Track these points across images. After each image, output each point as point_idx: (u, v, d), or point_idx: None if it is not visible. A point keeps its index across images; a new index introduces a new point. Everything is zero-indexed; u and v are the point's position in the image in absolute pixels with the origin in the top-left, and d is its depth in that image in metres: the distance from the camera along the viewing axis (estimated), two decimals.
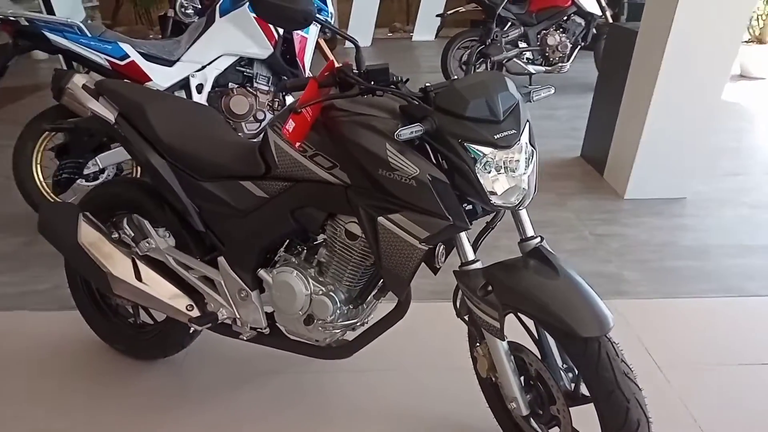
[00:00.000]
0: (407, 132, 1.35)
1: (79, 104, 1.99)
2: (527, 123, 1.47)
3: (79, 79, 2.00)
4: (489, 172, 1.40)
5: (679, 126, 3.35)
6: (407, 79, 1.56)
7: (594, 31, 6.14)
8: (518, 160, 1.42)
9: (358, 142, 1.48)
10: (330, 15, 3.77)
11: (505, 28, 6.01)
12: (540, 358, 1.57)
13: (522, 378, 1.59)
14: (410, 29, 10.48)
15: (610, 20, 6.17)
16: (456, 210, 1.44)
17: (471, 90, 1.40)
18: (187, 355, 2.25)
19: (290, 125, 1.53)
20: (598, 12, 6.16)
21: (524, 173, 1.44)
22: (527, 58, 6.12)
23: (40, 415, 2.00)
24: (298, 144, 1.57)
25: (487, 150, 1.38)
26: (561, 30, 6.17)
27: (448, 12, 6.03)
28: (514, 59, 6.08)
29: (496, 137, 1.38)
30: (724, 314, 2.45)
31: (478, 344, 1.63)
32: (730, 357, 2.19)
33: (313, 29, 3.57)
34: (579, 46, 6.22)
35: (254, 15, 2.39)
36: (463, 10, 6.54)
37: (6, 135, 3.13)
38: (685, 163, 3.47)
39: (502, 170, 1.41)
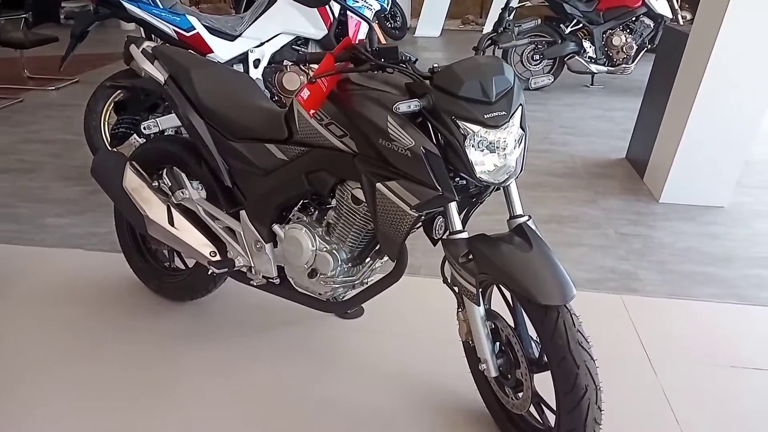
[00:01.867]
0: (405, 106, 1.50)
1: (137, 67, 2.24)
2: (520, 106, 1.58)
3: (142, 45, 2.25)
4: (478, 149, 1.52)
5: (719, 133, 3.32)
6: (416, 59, 1.70)
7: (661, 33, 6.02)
8: (506, 140, 1.54)
9: (363, 113, 1.64)
10: (386, 1, 3.92)
11: (570, 25, 6.02)
12: (513, 326, 1.69)
13: (497, 344, 1.72)
14: (483, 22, 10.48)
15: (682, 23, 6.03)
16: (445, 182, 1.58)
17: (467, 71, 1.53)
18: (213, 300, 2.49)
19: (305, 93, 1.72)
20: (670, 14, 6.04)
21: (512, 153, 1.56)
22: (589, 57, 6.09)
23: (70, 338, 2.29)
24: (312, 111, 1.75)
25: (476, 128, 1.51)
26: (628, 31, 6.09)
27: (513, 6, 6.04)
28: (576, 57, 6.07)
29: (485, 117, 1.50)
30: (726, 319, 2.47)
31: (459, 310, 1.77)
32: (722, 359, 2.23)
33: (368, 13, 3.73)
34: (645, 49, 6.13)
35: None
36: (530, 4, 6.56)
37: (88, 96, 3.47)
38: (724, 172, 3.43)
39: (491, 148, 1.53)
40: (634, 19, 6.03)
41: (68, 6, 8.98)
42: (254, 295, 2.36)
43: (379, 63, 1.60)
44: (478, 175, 1.54)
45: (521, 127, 1.59)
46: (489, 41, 1.81)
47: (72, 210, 3.32)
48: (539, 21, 2.01)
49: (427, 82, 1.58)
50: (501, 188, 1.68)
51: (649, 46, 6.09)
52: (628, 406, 1.99)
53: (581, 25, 6.03)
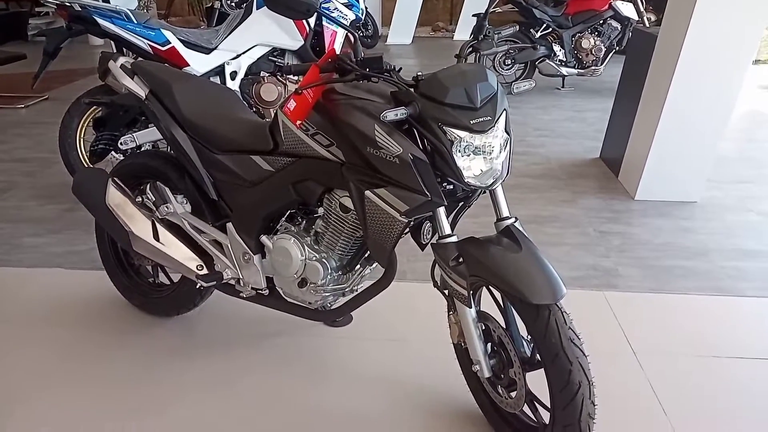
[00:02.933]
0: (392, 114, 1.53)
1: (117, 82, 2.22)
2: (504, 111, 1.62)
3: (120, 61, 2.23)
4: (465, 155, 1.55)
5: (690, 131, 3.42)
6: (400, 68, 1.73)
7: (630, 35, 6.16)
8: (492, 145, 1.57)
9: (350, 123, 1.66)
10: (361, 11, 3.96)
11: (540, 30, 6.13)
12: (504, 326, 1.72)
13: (489, 345, 1.75)
14: (453, 29, 10.60)
15: (648, 25, 6.18)
16: (434, 187, 1.60)
17: (451, 79, 1.56)
18: (199, 314, 2.48)
19: (291, 104, 1.72)
20: (636, 17, 6.19)
21: (498, 157, 1.60)
22: (560, 60, 6.21)
23: (56, 359, 2.25)
24: (298, 122, 1.76)
25: (462, 133, 1.53)
26: (596, 33, 6.22)
27: (483, 12, 6.14)
28: (547, 60, 6.19)
29: (471, 122, 1.53)
30: (708, 311, 2.54)
31: (451, 312, 1.79)
32: (705, 349, 2.29)
33: (342, 24, 3.75)
34: (614, 50, 6.27)
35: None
36: (500, 10, 6.66)
37: (59, 113, 3.43)
38: (696, 168, 3.53)
39: (478, 153, 1.56)
40: (601, 22, 6.18)
41: (35, 23, 8.86)
42: (241, 307, 2.36)
43: (364, 73, 1.62)
44: (465, 180, 1.56)
45: (506, 131, 1.62)
46: (470, 49, 1.84)
47: (49, 229, 3.27)
48: (517, 27, 2.06)
49: (412, 90, 1.61)
50: (488, 191, 1.71)
51: (617, 47, 6.24)
52: (616, 399, 2.04)
53: (551, 29, 6.14)
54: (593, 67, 6.25)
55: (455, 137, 1.53)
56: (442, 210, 1.66)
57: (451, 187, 1.69)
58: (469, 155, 1.55)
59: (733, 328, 2.42)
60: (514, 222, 1.71)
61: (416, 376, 2.15)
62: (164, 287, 2.46)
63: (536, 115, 5.58)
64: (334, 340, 2.35)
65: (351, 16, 3.75)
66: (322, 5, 3.59)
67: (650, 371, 2.17)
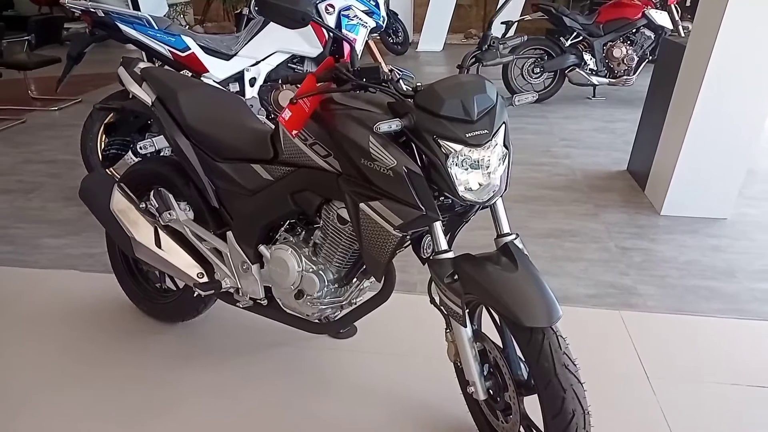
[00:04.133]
0: (386, 126, 1.48)
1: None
2: (503, 125, 1.56)
3: (135, 66, 2.24)
4: (461, 168, 1.50)
5: (719, 143, 3.28)
6: (399, 78, 1.68)
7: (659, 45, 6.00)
8: (489, 159, 1.51)
9: (345, 133, 1.62)
10: (382, 18, 3.92)
11: (570, 38, 6.01)
12: (502, 348, 1.65)
13: (486, 366, 1.68)
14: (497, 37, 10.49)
15: (683, 35, 6.00)
16: (428, 201, 1.55)
17: (448, 90, 1.51)
18: (205, 321, 2.47)
19: (287, 114, 1.70)
20: (670, 26, 6.01)
21: (495, 171, 1.53)
22: (590, 69, 6.07)
23: (64, 360, 2.27)
24: (294, 132, 1.73)
25: (458, 147, 1.48)
26: (629, 42, 6.07)
27: (513, 21, 6.06)
28: (577, 69, 6.06)
29: (467, 135, 1.48)
30: (730, 335, 2.41)
31: (447, 330, 1.73)
32: (724, 376, 2.17)
33: (362, 31, 3.73)
34: (647, 60, 6.10)
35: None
36: (529, 18, 6.56)
37: (84, 116, 3.49)
38: (726, 183, 3.38)
39: (474, 167, 1.51)
40: (634, 30, 6.02)
41: (73, 27, 9.10)
42: (245, 316, 2.33)
43: (360, 83, 1.59)
44: (461, 195, 1.51)
45: (505, 145, 1.56)
46: (473, 59, 1.78)
47: (68, 230, 3.32)
48: (525, 38, 1.99)
49: (410, 101, 1.56)
50: (488, 207, 1.65)
51: (651, 57, 6.06)
52: (625, 425, 1.94)
53: (581, 37, 6.01)
54: (625, 77, 6.09)
55: (450, 150, 1.47)
56: (438, 225, 1.61)
57: (449, 201, 1.63)
58: (465, 169, 1.50)
59: (756, 355, 2.30)
60: (515, 239, 1.64)
61: (417, 392, 2.09)
62: (170, 293, 2.46)
63: (564, 125, 5.47)
64: (336, 352, 2.31)
65: (371, 23, 3.72)
66: (341, 12, 3.57)
67: (663, 397, 2.07)
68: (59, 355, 2.29)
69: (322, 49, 3.65)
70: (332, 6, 3.59)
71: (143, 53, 3.63)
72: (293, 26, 1.61)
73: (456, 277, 1.57)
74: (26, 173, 4.22)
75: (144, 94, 2.16)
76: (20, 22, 6.35)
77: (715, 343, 2.36)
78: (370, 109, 1.62)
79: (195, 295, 2.16)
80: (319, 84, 1.67)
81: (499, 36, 1.89)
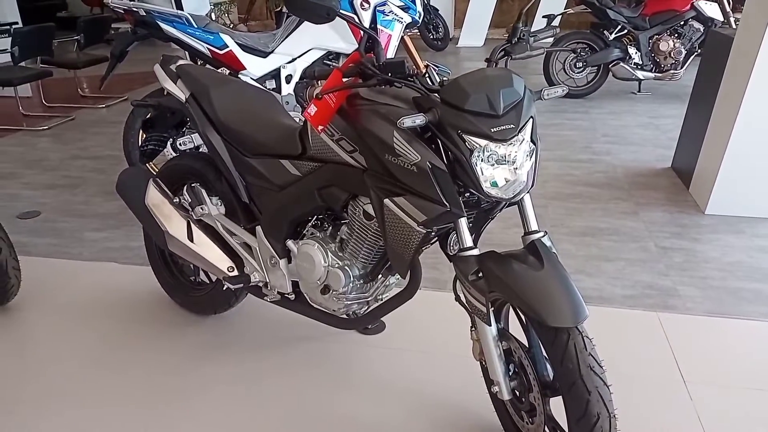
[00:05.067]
0: (410, 121, 1.46)
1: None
2: (530, 119, 1.52)
3: (174, 64, 2.29)
4: (488, 164, 1.47)
5: (767, 140, 3.14)
6: (425, 73, 1.66)
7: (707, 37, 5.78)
8: (515, 154, 1.48)
9: (370, 129, 1.61)
10: (418, 14, 3.89)
11: (614, 31, 5.85)
12: (528, 347, 1.62)
13: (511, 366, 1.65)
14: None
15: (733, 26, 5.76)
16: (453, 197, 1.53)
17: (473, 84, 1.48)
18: (237, 314, 2.50)
19: (312, 109, 1.70)
20: (721, 18, 5.78)
21: (522, 167, 1.50)
22: (635, 63, 5.90)
23: (102, 348, 2.34)
24: (320, 128, 1.73)
25: (483, 142, 1.45)
26: (676, 35, 5.87)
27: (554, 14, 5.93)
28: (621, 64, 5.89)
29: (492, 130, 1.45)
30: None
31: (473, 329, 1.71)
32: (764, 382, 2.08)
33: (398, 27, 3.71)
34: (695, 53, 5.88)
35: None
36: (572, 11, 6.42)
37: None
38: None
39: (500, 162, 1.48)
40: (682, 23, 5.81)
41: (121, 28, 9.37)
42: (275, 310, 2.36)
43: (385, 77, 1.58)
44: (486, 191, 1.48)
45: (532, 140, 1.52)
46: (502, 52, 1.75)
47: (109, 224, 3.42)
48: (557, 30, 1.94)
49: (436, 95, 1.54)
50: (516, 203, 1.62)
51: (699, 50, 5.84)
52: (659, 431, 1.88)
53: (626, 30, 5.84)
54: (672, 71, 5.89)
55: (475, 146, 1.45)
56: (463, 221, 1.58)
57: (475, 198, 1.61)
58: (491, 165, 1.47)
59: None
60: (543, 237, 1.60)
61: (443, 390, 2.07)
62: (203, 286, 2.51)
63: (606, 121, 5.33)
64: (364, 348, 2.31)
65: (407, 18, 3.70)
66: (377, 8, 3.56)
67: (700, 403, 1.99)
68: (96, 342, 2.37)
69: (357, 45, 3.65)
70: (368, 2, 3.58)
71: (186, 52, 3.70)
72: (319, 21, 1.61)
73: (481, 274, 1.54)
74: (73, 168, 4.37)
75: (178, 91, 2.20)
76: (72, 23, 6.57)
77: (756, 348, 2.26)
78: (396, 104, 1.60)
79: (225, 288, 2.19)
80: (345, 79, 1.66)
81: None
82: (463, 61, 8.28)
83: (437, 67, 1.79)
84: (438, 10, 8.75)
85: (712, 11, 5.73)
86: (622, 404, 1.59)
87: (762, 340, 2.31)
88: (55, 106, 6.12)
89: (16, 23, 6.40)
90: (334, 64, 3.79)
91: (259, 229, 2.06)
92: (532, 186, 1.55)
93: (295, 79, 3.71)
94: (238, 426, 1.95)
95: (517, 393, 1.65)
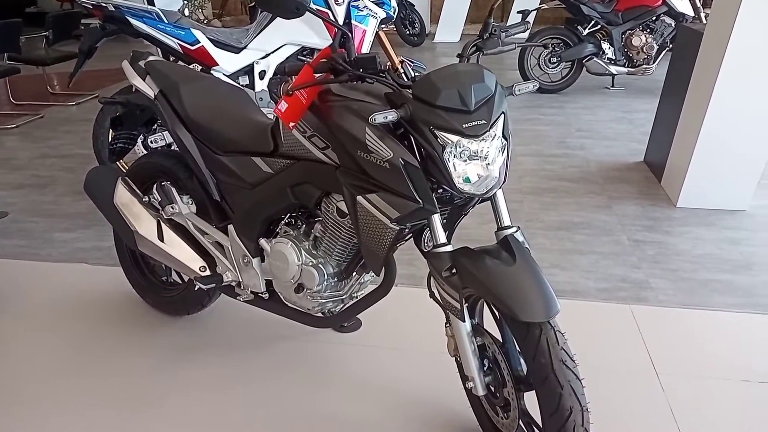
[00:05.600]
0: (381, 117, 1.45)
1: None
2: (502, 114, 1.52)
3: (144, 60, 2.24)
4: (460, 160, 1.46)
5: (737, 133, 3.19)
6: (396, 69, 1.65)
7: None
8: (487, 150, 1.48)
9: (342, 125, 1.60)
10: (393, 9, 3.88)
11: (588, 27, 5.89)
12: (501, 343, 1.62)
13: (485, 362, 1.65)
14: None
15: (704, 21, 5.85)
16: (426, 194, 1.52)
17: (444, 80, 1.47)
18: (210, 315, 2.47)
19: (283, 106, 1.68)
20: (691, 13, 5.86)
21: (494, 163, 1.50)
22: (608, 58, 5.96)
23: (70, 351, 2.29)
24: (292, 124, 1.71)
25: (454, 138, 1.45)
26: (648, 30, 5.94)
27: (529, 9, 5.96)
28: (595, 59, 5.94)
29: (464, 126, 1.44)
30: (742, 329, 2.35)
31: (447, 325, 1.70)
32: (735, 372, 2.11)
33: (372, 22, 3.69)
34: (667, 48, 5.96)
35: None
36: (546, 6, 6.45)
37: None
38: (745, 173, 3.29)
39: (472, 158, 1.47)
40: (654, 18, 5.89)
41: (93, 23, 9.19)
42: (250, 310, 2.33)
43: (357, 73, 1.56)
44: (459, 187, 1.48)
45: (504, 135, 1.52)
46: (473, 48, 1.74)
47: (79, 224, 3.35)
48: (529, 25, 1.94)
49: (408, 91, 1.53)
50: (489, 199, 1.62)
51: (671, 45, 5.92)
52: (631, 422, 1.90)
53: (599, 26, 5.90)
54: (644, 66, 5.97)
55: (447, 142, 1.44)
56: (436, 218, 1.58)
57: (448, 194, 1.60)
58: (463, 160, 1.46)
59: None
60: (515, 232, 1.61)
61: (420, 387, 2.07)
62: (175, 287, 2.47)
63: (580, 116, 5.38)
64: (340, 346, 2.29)
65: (381, 14, 3.68)
66: (351, 3, 3.54)
67: (672, 393, 2.02)
68: (66, 345, 2.32)
69: (331, 41, 3.62)
70: None
71: (158, 48, 3.64)
72: (289, 16, 1.59)
73: (454, 270, 1.54)
74: (42, 168, 4.28)
75: (147, 88, 2.16)
76: (41, 19, 6.43)
77: (727, 338, 2.30)
78: (368, 100, 1.59)
79: (197, 288, 2.16)
80: (316, 75, 1.64)
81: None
82: (439, 57, 8.29)
83: (412, 62, 1.78)
84: (414, 6, 8.75)
85: (683, 6, 5.81)
86: (594, 397, 1.60)
87: (732, 330, 2.35)
88: (23, 104, 5.99)
89: None
90: (308, 59, 3.75)
91: (231, 227, 2.04)
92: (504, 181, 1.55)
93: (269, 75, 3.67)
94: (214, 427, 1.92)
95: (492, 388, 1.65)
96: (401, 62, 1.69)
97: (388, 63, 1.65)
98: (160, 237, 2.11)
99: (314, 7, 1.63)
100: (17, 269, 2.89)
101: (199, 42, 3.47)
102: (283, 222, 1.97)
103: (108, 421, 1.95)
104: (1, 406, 2.02)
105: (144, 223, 2.13)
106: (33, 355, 2.28)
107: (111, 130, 2.88)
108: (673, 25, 5.89)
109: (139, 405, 2.02)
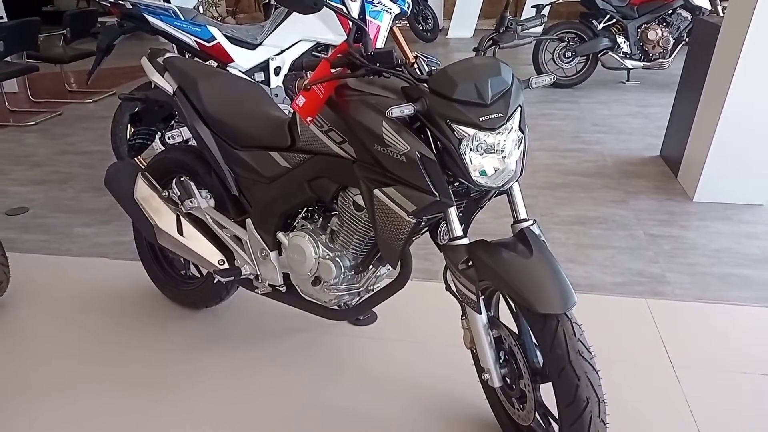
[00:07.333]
0: (398, 110, 1.46)
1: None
2: (518, 108, 1.52)
3: (162, 56, 2.27)
4: (476, 153, 1.47)
5: (755, 126, 3.16)
6: (413, 62, 1.66)
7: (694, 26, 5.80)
8: (504, 143, 1.49)
9: (359, 119, 1.61)
10: (407, 5, 3.88)
11: (603, 21, 5.86)
12: (517, 335, 1.63)
13: (501, 353, 1.66)
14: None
15: (721, 14, 5.79)
16: (442, 187, 1.53)
17: (461, 73, 1.48)
18: (228, 307, 2.50)
19: (300, 100, 1.70)
20: (708, 6, 5.81)
21: (510, 156, 1.51)
22: (624, 53, 5.92)
23: (92, 343, 2.33)
24: (309, 119, 1.73)
25: (471, 131, 1.46)
26: (664, 24, 5.89)
27: (543, 3, 5.94)
28: (610, 53, 5.91)
29: (481, 119, 1.45)
30: (759, 324, 2.33)
31: (463, 318, 1.72)
32: (752, 366, 2.10)
33: (386, 17, 3.70)
34: (683, 42, 5.91)
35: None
36: (560, 1, 6.42)
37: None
38: (762, 168, 3.26)
39: (489, 151, 1.48)
40: (670, 12, 5.84)
41: (109, 21, 9.29)
42: (267, 303, 2.36)
43: (373, 68, 1.57)
44: (475, 180, 1.49)
45: (520, 129, 1.53)
46: (490, 41, 1.75)
47: (99, 219, 3.40)
48: (545, 19, 1.94)
49: (424, 85, 1.54)
50: (505, 192, 1.62)
51: (687, 39, 5.86)
52: (647, 415, 1.90)
53: (615, 20, 5.86)
54: (660, 60, 5.92)
55: (463, 135, 1.45)
56: (452, 211, 1.59)
57: (464, 187, 1.61)
58: (480, 154, 1.47)
59: None
60: (532, 225, 1.61)
61: (436, 379, 2.08)
62: (194, 280, 2.50)
63: (596, 110, 5.35)
64: (355, 339, 2.32)
65: (396, 9, 3.69)
66: None
67: (688, 387, 2.02)
68: (88, 337, 2.36)
69: (346, 37, 3.63)
70: None
71: (173, 45, 3.68)
72: (306, 11, 1.60)
73: (470, 263, 1.55)
74: (61, 164, 4.34)
75: (165, 84, 2.19)
76: (59, 17, 6.50)
77: (743, 332, 2.29)
78: (384, 94, 1.60)
79: (216, 281, 2.19)
80: (333, 70, 1.66)
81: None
82: (452, 52, 8.28)
83: (426, 57, 1.80)
84: (427, 1, 8.74)
85: (700, 0, 5.76)
86: (611, 389, 1.61)
87: (749, 324, 2.34)
88: (41, 102, 6.07)
89: (1, 18, 6.32)
90: (323, 55, 3.77)
91: (249, 221, 2.06)
92: (520, 175, 1.56)
93: (284, 71, 3.69)
94: (231, 417, 1.95)
95: (508, 380, 1.66)
96: (415, 57, 1.70)
97: (404, 58, 1.67)
98: (180, 231, 2.14)
99: (329, 2, 1.64)
100: (38, 263, 2.94)
101: (216, 39, 3.50)
102: (300, 216, 2.00)
103: (128, 409, 1.99)
104: (24, 394, 2.07)
105: (164, 218, 2.16)
106: (53, 346, 2.32)
107: (130, 126, 2.91)
108: (689, 18, 5.84)
109: (158, 393, 2.06)
